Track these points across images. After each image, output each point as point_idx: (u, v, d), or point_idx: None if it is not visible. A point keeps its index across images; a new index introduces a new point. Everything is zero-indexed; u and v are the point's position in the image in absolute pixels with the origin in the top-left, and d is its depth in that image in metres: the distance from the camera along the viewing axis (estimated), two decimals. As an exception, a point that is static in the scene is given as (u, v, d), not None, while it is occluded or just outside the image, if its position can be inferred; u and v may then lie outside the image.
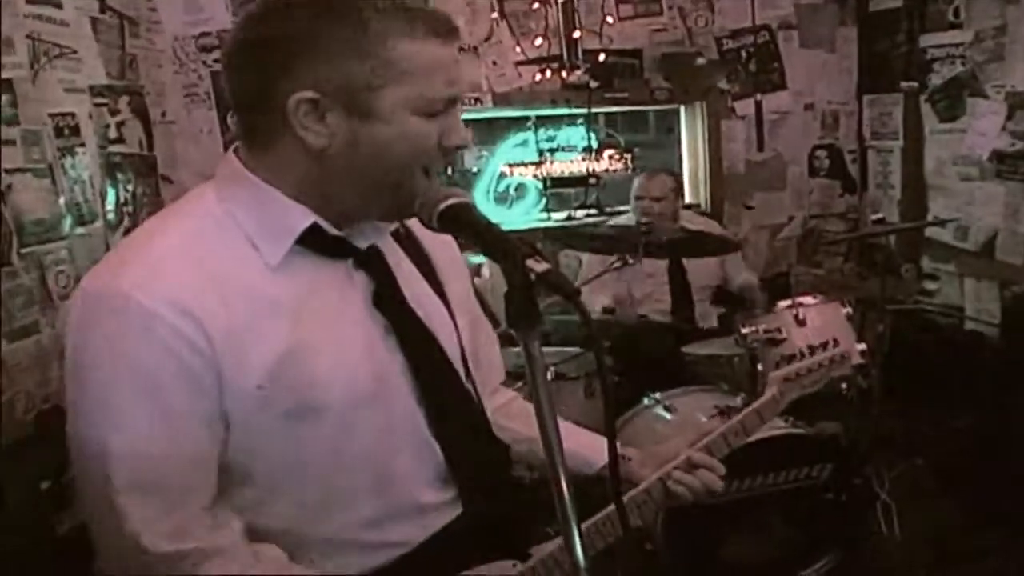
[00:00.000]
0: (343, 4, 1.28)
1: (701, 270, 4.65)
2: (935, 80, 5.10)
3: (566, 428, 1.77)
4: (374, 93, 1.29)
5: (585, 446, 1.80)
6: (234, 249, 1.33)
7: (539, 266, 1.14)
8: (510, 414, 1.82)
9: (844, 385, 3.37)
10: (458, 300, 1.62)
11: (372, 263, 1.45)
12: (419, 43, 1.30)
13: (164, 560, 1.27)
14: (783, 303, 3.51)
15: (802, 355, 2.07)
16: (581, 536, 1.15)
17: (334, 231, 1.38)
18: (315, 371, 1.33)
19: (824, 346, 2.07)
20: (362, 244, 1.43)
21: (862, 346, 3.35)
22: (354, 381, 1.38)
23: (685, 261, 4.54)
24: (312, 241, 1.36)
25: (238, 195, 1.37)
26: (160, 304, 1.23)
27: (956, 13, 4.88)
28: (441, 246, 1.60)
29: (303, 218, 1.34)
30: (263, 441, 1.34)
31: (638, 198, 4.55)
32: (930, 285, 5.35)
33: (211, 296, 1.27)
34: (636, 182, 4.65)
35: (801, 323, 3.40)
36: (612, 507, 1.68)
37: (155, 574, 1.28)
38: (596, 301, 4.27)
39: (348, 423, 1.38)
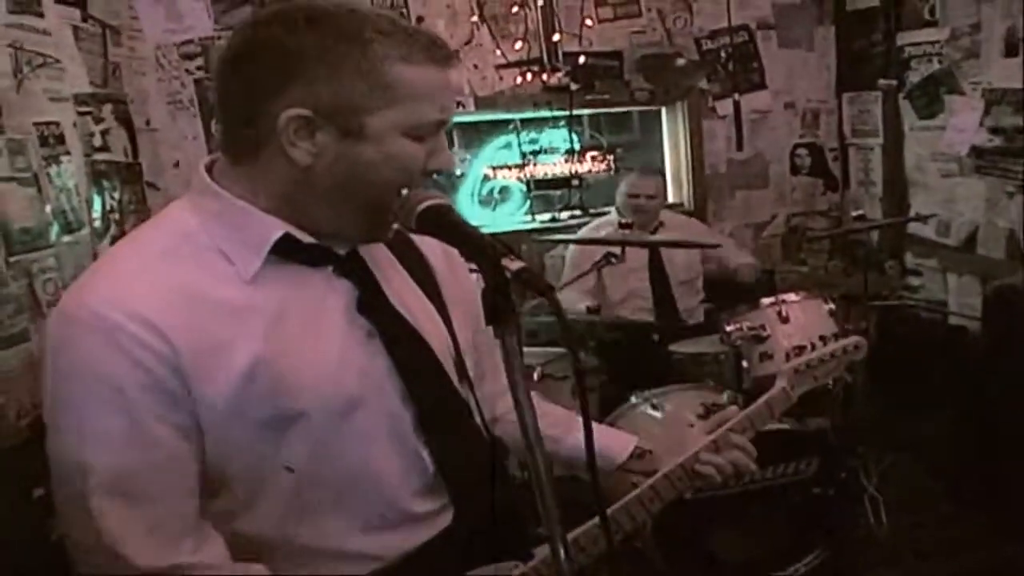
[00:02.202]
0: (347, 24, 1.29)
1: (681, 263, 4.67)
2: (913, 77, 5.14)
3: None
4: (368, 115, 1.30)
5: (607, 444, 1.83)
6: (206, 263, 1.33)
7: (514, 264, 1.16)
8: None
9: (830, 381, 3.40)
10: (457, 302, 1.63)
11: (353, 269, 1.45)
12: (417, 68, 1.31)
13: (150, 575, 1.27)
14: (766, 300, 3.54)
15: (797, 352, 2.06)
16: (564, 535, 1.16)
17: (308, 239, 1.38)
18: (290, 380, 1.33)
19: (824, 340, 2.05)
20: (342, 250, 1.44)
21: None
22: (333, 388, 1.38)
23: (665, 257, 4.59)
24: (288, 251, 1.37)
25: (211, 209, 1.37)
26: (123, 317, 1.24)
27: (932, 11, 4.91)
28: (439, 248, 1.61)
29: (275, 228, 1.35)
30: (237, 450, 1.34)
31: (632, 196, 4.58)
32: (913, 281, 5.38)
33: (177, 308, 1.27)
34: (628, 180, 4.68)
35: (785, 320, 3.43)
36: (612, 509, 1.69)
37: None
38: (580, 301, 4.29)
39: (327, 430, 1.38)
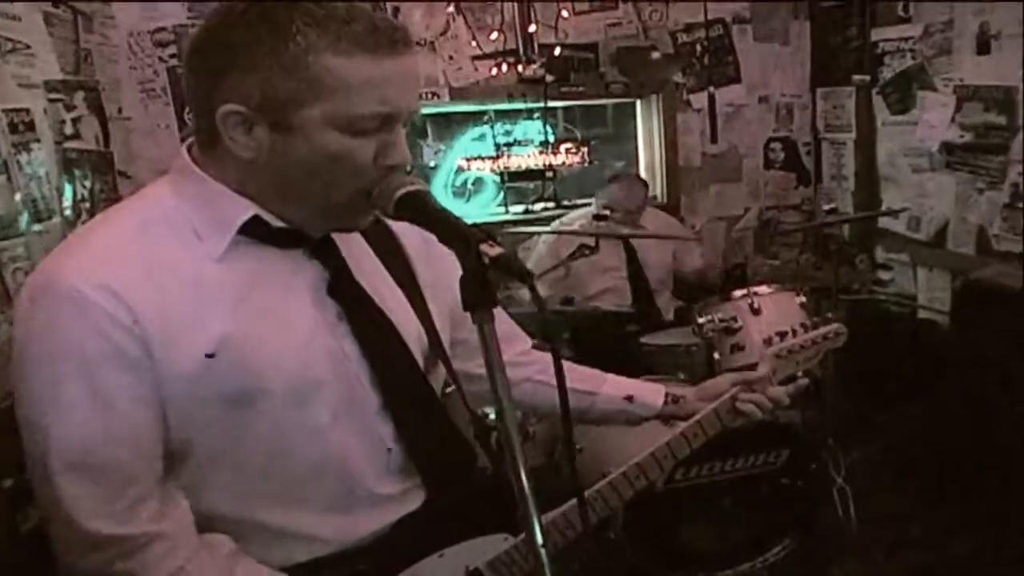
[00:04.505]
0: (275, 16, 1.26)
1: (657, 260, 4.70)
2: (886, 73, 5.19)
3: (619, 380, 1.96)
4: (296, 109, 1.27)
5: (641, 394, 1.97)
6: (179, 240, 1.35)
7: (492, 250, 1.17)
8: (550, 375, 1.87)
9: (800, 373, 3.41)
10: (434, 288, 1.63)
11: (325, 251, 1.46)
12: (345, 59, 1.26)
13: (106, 542, 1.29)
14: (738, 292, 3.55)
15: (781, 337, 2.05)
16: (539, 519, 1.14)
17: (278, 223, 1.39)
18: (254, 359, 1.34)
19: (804, 327, 2.06)
20: (315, 233, 1.44)
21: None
22: (297, 369, 1.39)
23: (640, 253, 4.60)
24: (259, 232, 1.38)
25: (187, 188, 1.39)
26: (92, 289, 1.25)
27: (905, 8, 4.96)
28: (417, 234, 1.55)
29: (244, 210, 1.36)
30: (199, 425, 1.35)
31: (612, 211, 4.51)
32: (883, 275, 5.42)
33: (147, 283, 1.28)
34: (607, 192, 4.67)
35: (756, 312, 3.44)
36: (581, 497, 1.70)
37: (97, 556, 1.30)
38: (550, 293, 4.29)
39: (290, 410, 1.39)
